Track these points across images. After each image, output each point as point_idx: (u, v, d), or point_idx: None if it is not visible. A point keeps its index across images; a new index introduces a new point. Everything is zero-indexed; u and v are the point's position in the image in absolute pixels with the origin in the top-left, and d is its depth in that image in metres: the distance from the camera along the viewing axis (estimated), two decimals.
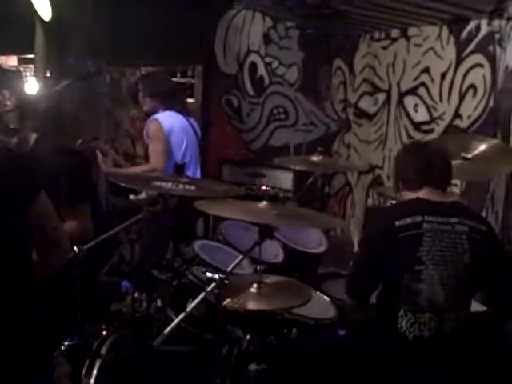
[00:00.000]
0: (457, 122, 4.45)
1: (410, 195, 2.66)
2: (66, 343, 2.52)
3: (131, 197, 3.76)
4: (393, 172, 2.83)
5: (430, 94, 4.74)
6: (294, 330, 2.79)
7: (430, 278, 2.49)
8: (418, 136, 4.78)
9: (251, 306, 2.47)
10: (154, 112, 4.31)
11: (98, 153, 4.23)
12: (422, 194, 2.62)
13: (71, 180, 2.68)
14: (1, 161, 1.88)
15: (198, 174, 4.39)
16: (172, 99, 4.34)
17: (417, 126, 4.87)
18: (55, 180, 2.59)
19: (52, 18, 4.36)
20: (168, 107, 4.30)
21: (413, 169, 2.65)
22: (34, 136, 2.80)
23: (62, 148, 2.87)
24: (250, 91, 5.77)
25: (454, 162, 2.87)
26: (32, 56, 4.77)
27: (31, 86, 4.83)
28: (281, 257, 3.43)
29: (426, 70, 4.78)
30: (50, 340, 2.15)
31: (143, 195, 3.87)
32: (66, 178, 2.66)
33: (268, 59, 5.74)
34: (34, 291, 2.00)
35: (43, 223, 2.01)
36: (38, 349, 2.01)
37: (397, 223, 2.51)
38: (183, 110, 4.41)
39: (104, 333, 2.66)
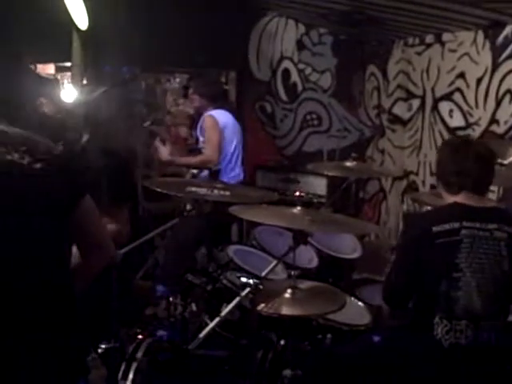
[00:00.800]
0: (493, 127, 4.40)
1: (448, 197, 2.62)
2: (103, 346, 2.55)
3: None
4: (435, 168, 2.80)
5: (465, 100, 4.70)
6: (329, 335, 2.78)
7: (467, 286, 2.45)
8: None
9: (285, 311, 2.47)
10: (203, 110, 4.44)
11: (156, 142, 4.44)
12: (460, 198, 2.57)
13: (111, 182, 2.73)
14: (46, 164, 1.91)
15: (242, 176, 4.48)
16: (220, 101, 4.50)
17: (452, 131, 4.82)
18: (97, 182, 2.63)
19: (88, 26, 4.43)
20: (217, 107, 4.42)
21: (452, 172, 2.59)
22: (85, 138, 2.86)
23: (104, 150, 2.91)
24: (284, 97, 5.79)
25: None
26: (69, 64, 4.85)
27: (68, 93, 4.91)
28: (315, 262, 3.42)
29: (461, 76, 4.73)
30: (86, 344, 2.17)
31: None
32: (106, 180, 2.70)
33: (301, 65, 5.76)
34: (72, 295, 2.02)
35: (87, 226, 2.03)
36: (74, 352, 2.03)
37: (434, 229, 2.48)
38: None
39: (140, 336, 2.68)
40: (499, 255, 2.47)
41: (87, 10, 4.35)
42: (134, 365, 2.52)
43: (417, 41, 5.28)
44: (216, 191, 2.88)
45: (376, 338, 2.65)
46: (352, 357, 2.67)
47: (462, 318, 2.45)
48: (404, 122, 5.49)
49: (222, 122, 4.35)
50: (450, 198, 2.60)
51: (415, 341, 2.53)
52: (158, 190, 3.12)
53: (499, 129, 4.34)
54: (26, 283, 1.86)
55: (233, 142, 4.40)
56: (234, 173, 4.38)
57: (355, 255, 3.61)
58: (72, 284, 2.02)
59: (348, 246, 3.68)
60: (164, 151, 4.39)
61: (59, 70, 5.55)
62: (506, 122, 4.28)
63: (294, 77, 5.77)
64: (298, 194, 3.39)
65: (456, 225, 2.48)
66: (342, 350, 2.77)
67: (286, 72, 5.76)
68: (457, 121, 4.78)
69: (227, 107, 4.50)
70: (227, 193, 2.87)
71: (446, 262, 2.46)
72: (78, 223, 1.97)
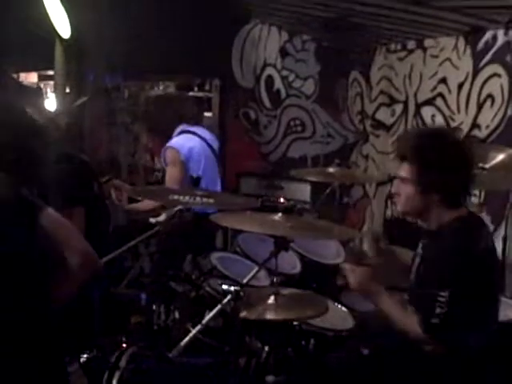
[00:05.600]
0: (475, 132, 4.43)
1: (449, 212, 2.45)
2: (85, 356, 2.54)
3: (151, 220, 3.74)
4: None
5: (447, 105, 4.73)
6: (312, 341, 2.78)
7: None
8: None
9: (268, 316, 2.47)
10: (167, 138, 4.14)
11: (112, 191, 4.09)
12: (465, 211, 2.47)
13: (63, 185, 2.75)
14: None
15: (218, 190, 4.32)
16: (171, 127, 4.15)
17: None
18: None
19: (71, 35, 4.43)
20: (179, 133, 4.13)
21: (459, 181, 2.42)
22: None
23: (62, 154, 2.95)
24: (267, 104, 5.80)
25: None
26: (52, 73, 4.84)
27: (51, 102, 4.90)
28: (298, 268, 3.43)
29: (443, 81, 4.77)
30: (66, 353, 2.16)
31: (163, 217, 3.83)
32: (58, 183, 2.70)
33: (284, 72, 5.78)
34: (47, 307, 2.01)
35: (57, 239, 2.01)
36: (54, 362, 2.02)
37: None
38: (191, 122, 4.24)
39: (124, 345, 2.67)
40: None
41: (70, 19, 4.35)
42: (117, 373, 2.51)
43: (399, 47, 5.32)
44: (198, 199, 2.88)
45: (365, 351, 2.62)
46: (339, 366, 2.65)
47: None
48: (387, 127, 5.52)
49: (185, 151, 4.05)
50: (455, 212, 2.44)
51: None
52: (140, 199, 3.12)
53: (481, 133, 4.37)
54: None
55: (200, 164, 4.11)
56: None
57: (338, 260, 3.62)
58: (47, 295, 1.99)
59: (331, 252, 3.69)
60: (120, 202, 4.11)
61: (42, 78, 5.55)
62: (487, 127, 4.32)
63: (278, 83, 5.78)
64: (280, 200, 3.40)
65: None
66: (329, 358, 2.76)
67: (270, 79, 5.77)
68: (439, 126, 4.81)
69: (185, 126, 4.15)
70: (210, 200, 2.88)
71: None
72: (46, 237, 1.95)
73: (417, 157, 2.40)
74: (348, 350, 2.68)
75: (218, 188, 4.29)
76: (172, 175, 4.06)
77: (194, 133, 4.19)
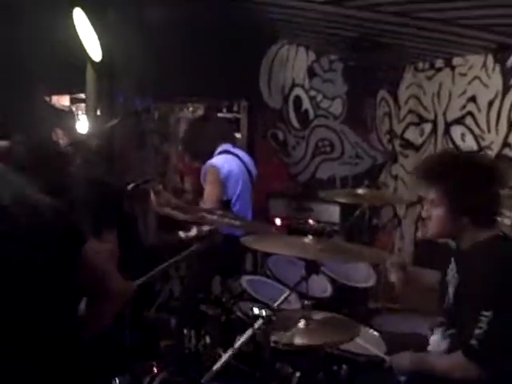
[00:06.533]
0: (506, 151, 4.38)
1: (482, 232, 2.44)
2: (117, 380, 2.54)
3: (181, 234, 3.74)
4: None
5: (477, 124, 4.69)
6: (344, 366, 2.75)
7: None
8: None
9: (298, 341, 2.45)
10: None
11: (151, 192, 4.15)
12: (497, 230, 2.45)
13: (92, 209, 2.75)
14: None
15: (249, 215, 4.25)
16: (210, 148, 4.18)
17: None
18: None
19: (102, 58, 4.49)
20: (220, 152, 4.16)
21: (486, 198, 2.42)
22: None
23: (89, 178, 2.95)
24: (296, 124, 5.81)
25: (504, 192, 2.80)
26: (83, 95, 4.91)
27: (83, 124, 4.97)
28: (329, 291, 3.41)
29: (472, 100, 4.74)
30: (99, 378, 2.16)
31: (193, 232, 3.83)
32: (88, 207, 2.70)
33: (312, 92, 5.79)
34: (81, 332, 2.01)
35: (94, 267, 2.01)
36: None
37: None
38: (229, 142, 4.26)
39: (154, 370, 2.68)
40: None
41: (101, 42, 4.42)
42: None
43: (427, 65, 5.30)
44: (227, 219, 2.89)
45: (402, 378, 2.57)
46: None
47: None
48: (416, 147, 5.49)
49: (225, 171, 4.05)
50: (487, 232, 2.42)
51: None
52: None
53: None
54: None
55: (237, 187, 4.12)
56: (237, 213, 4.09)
57: (369, 284, 3.59)
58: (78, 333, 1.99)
59: (362, 275, 3.66)
60: (156, 205, 4.06)
61: (74, 101, 5.62)
62: None
63: (306, 104, 5.79)
64: (310, 222, 3.39)
65: None
66: (361, 382, 2.72)
67: (298, 99, 5.79)
68: (469, 145, 4.77)
69: (225, 148, 4.19)
70: (237, 222, 2.88)
71: None
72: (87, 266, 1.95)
73: (443, 179, 2.40)
74: (383, 376, 2.64)
75: (250, 212, 4.28)
76: (211, 193, 4.03)
77: (235, 154, 4.20)
